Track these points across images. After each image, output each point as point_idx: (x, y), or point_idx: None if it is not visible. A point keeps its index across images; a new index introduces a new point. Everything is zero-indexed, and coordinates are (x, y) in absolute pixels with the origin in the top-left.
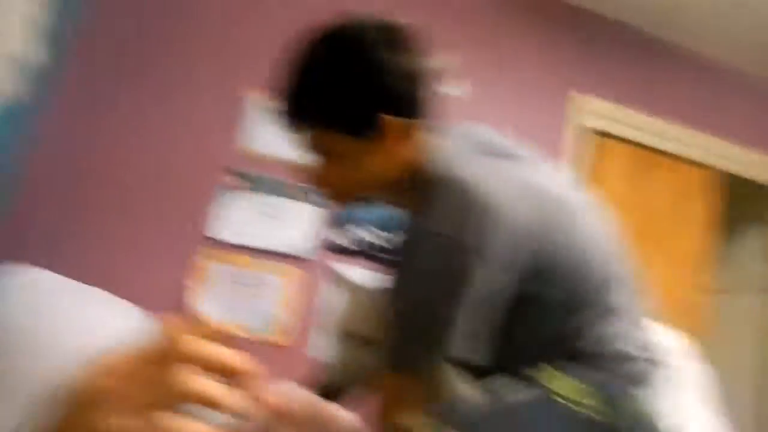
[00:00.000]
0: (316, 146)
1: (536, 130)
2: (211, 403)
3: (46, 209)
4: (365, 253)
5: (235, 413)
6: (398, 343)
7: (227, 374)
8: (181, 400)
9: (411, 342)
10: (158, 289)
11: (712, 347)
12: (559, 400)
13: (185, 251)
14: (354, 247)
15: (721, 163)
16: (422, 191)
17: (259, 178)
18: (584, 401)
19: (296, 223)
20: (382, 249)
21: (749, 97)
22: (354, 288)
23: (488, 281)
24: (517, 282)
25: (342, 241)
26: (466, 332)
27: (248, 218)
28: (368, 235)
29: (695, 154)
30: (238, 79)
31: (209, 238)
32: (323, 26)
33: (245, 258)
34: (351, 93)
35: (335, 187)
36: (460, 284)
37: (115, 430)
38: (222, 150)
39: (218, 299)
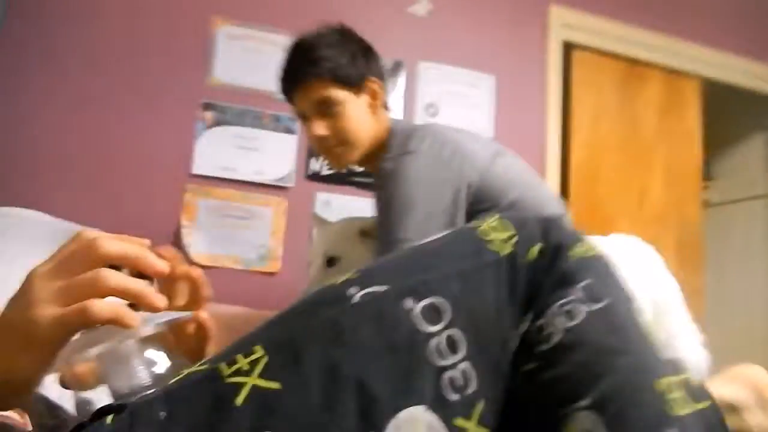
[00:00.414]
0: (322, 95)
1: (517, 45)
2: (130, 296)
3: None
4: (346, 179)
5: (153, 307)
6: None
7: (143, 271)
8: (102, 294)
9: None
10: (151, 231)
11: (719, 259)
12: (483, 236)
13: (172, 190)
14: (334, 173)
15: (710, 71)
16: (396, 140)
17: (234, 110)
18: (508, 238)
19: (276, 153)
20: (361, 173)
21: (736, 2)
22: (324, 222)
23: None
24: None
25: (322, 168)
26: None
27: (229, 151)
28: None
29: (682, 64)
30: (207, 8)
31: (194, 175)
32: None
33: (231, 191)
34: (360, 60)
35: (335, 134)
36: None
37: (49, 319)
38: (195, 83)
39: (209, 235)
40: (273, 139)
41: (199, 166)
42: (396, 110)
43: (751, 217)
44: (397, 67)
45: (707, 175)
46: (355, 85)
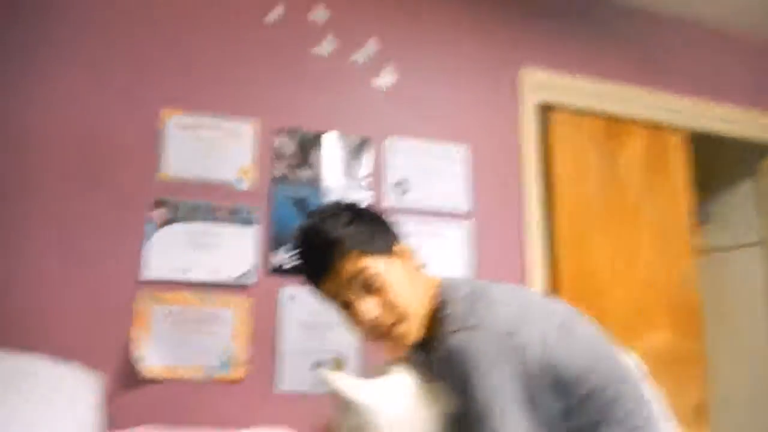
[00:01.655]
0: (357, 270)
1: (489, 111)
2: None
3: None
4: None
5: None
6: None
7: None
8: None
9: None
10: (102, 344)
11: (717, 307)
12: None
13: (122, 298)
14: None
15: (694, 122)
16: (453, 306)
17: (187, 205)
18: None
19: (234, 248)
20: None
21: (713, 49)
22: (348, 408)
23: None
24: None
25: (286, 261)
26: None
27: (182, 251)
28: None
29: (664, 117)
30: (155, 100)
31: (144, 281)
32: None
33: (187, 295)
34: (380, 228)
35: (389, 309)
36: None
37: None
38: (144, 180)
39: (165, 344)
40: (230, 233)
41: (150, 270)
42: (364, 190)
43: (746, 264)
44: (362, 144)
45: (701, 219)
46: (385, 252)
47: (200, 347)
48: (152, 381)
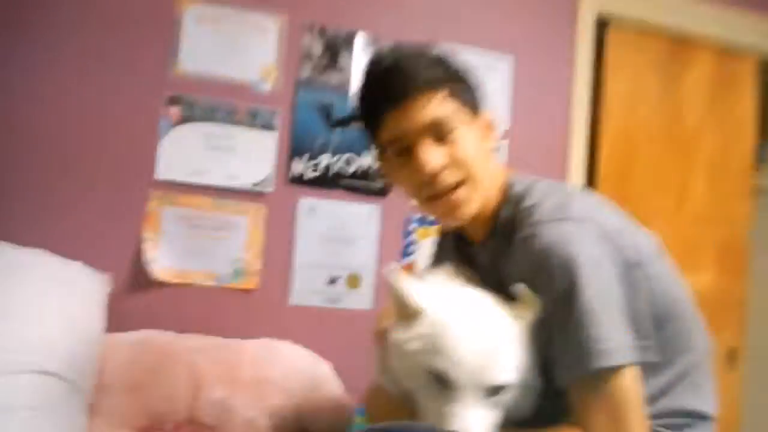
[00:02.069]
0: (436, 113)
1: (541, 20)
2: None
3: None
4: (334, 182)
5: None
6: (594, 344)
7: None
8: None
9: (611, 336)
10: (111, 244)
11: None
12: None
13: (134, 198)
14: (320, 176)
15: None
16: (529, 198)
17: (204, 104)
18: None
19: (252, 153)
20: (352, 175)
21: None
22: (416, 317)
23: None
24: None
25: (306, 170)
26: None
27: (198, 153)
28: (335, 161)
29: (736, 37)
30: None
31: (158, 181)
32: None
33: (201, 199)
34: (473, 87)
35: (456, 166)
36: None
37: None
38: (158, 75)
39: (176, 248)
40: (249, 137)
41: (164, 171)
42: None
43: None
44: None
45: (761, 158)
46: (470, 110)
47: (212, 254)
48: (161, 284)
